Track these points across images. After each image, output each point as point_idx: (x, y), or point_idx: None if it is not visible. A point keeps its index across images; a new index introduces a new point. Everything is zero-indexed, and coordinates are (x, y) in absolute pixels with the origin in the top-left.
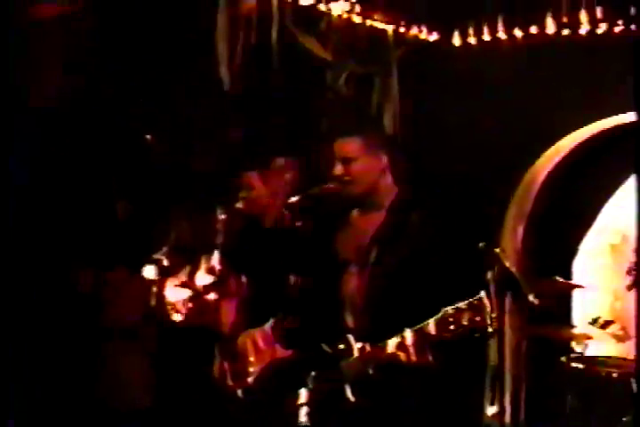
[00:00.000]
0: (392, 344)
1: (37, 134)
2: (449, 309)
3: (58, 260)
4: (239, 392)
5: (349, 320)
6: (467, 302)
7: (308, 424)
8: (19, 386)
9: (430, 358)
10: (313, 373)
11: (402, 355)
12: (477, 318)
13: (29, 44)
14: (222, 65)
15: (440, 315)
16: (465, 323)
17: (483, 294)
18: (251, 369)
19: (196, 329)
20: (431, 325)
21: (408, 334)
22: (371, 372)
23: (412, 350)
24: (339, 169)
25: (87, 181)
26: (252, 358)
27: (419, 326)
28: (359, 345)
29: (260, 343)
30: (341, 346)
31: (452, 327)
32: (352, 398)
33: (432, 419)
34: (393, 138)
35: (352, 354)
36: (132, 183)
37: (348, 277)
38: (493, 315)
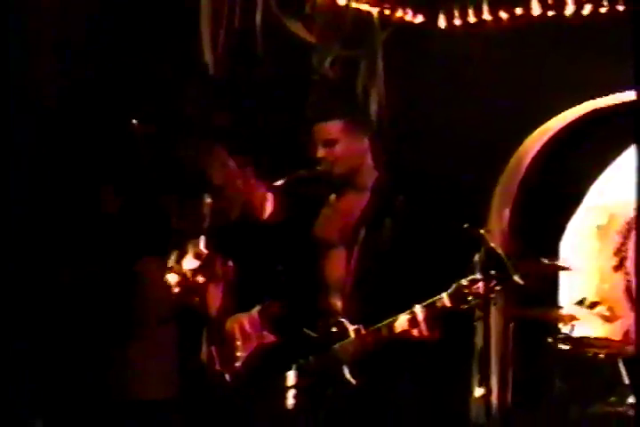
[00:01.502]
0: (402, 321)
1: (33, 126)
2: (463, 281)
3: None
4: (227, 377)
5: (337, 303)
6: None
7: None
8: (44, 377)
9: (440, 332)
10: (307, 358)
11: (414, 331)
12: (494, 286)
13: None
14: (206, 49)
15: (454, 288)
16: (482, 292)
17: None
18: (238, 354)
19: (183, 313)
20: (445, 298)
21: (419, 310)
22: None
23: (423, 325)
24: (321, 151)
25: (75, 172)
26: (239, 343)
27: (429, 302)
28: (354, 327)
29: (248, 328)
30: (334, 329)
31: (469, 298)
32: (352, 380)
33: (428, 399)
34: (375, 121)
35: (347, 337)
36: (120, 172)
37: (334, 259)
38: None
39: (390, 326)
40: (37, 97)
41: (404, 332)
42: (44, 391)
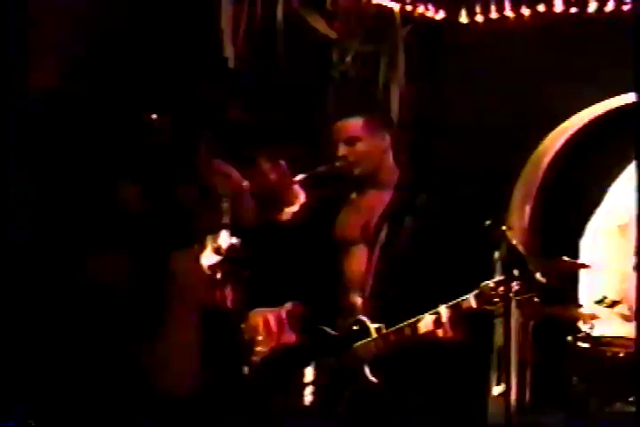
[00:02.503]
0: (427, 321)
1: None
2: (490, 282)
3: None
4: (245, 370)
5: (357, 301)
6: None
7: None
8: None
9: (463, 333)
10: (328, 356)
11: (438, 332)
12: (519, 288)
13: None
14: (226, 43)
15: (480, 289)
16: (511, 295)
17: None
18: (258, 349)
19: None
20: (471, 299)
21: (443, 311)
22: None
23: (447, 326)
24: (342, 149)
25: (90, 167)
26: (260, 338)
27: (454, 302)
28: (375, 326)
29: (272, 325)
30: (355, 327)
31: (495, 300)
32: (374, 380)
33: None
34: (396, 117)
35: (368, 335)
36: (137, 166)
37: (355, 257)
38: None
39: (414, 327)
40: (38, 95)
41: (428, 332)
42: (66, 386)
